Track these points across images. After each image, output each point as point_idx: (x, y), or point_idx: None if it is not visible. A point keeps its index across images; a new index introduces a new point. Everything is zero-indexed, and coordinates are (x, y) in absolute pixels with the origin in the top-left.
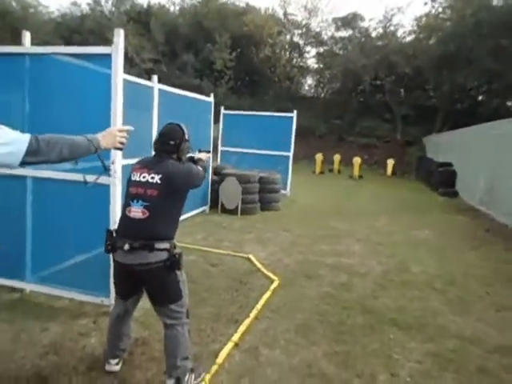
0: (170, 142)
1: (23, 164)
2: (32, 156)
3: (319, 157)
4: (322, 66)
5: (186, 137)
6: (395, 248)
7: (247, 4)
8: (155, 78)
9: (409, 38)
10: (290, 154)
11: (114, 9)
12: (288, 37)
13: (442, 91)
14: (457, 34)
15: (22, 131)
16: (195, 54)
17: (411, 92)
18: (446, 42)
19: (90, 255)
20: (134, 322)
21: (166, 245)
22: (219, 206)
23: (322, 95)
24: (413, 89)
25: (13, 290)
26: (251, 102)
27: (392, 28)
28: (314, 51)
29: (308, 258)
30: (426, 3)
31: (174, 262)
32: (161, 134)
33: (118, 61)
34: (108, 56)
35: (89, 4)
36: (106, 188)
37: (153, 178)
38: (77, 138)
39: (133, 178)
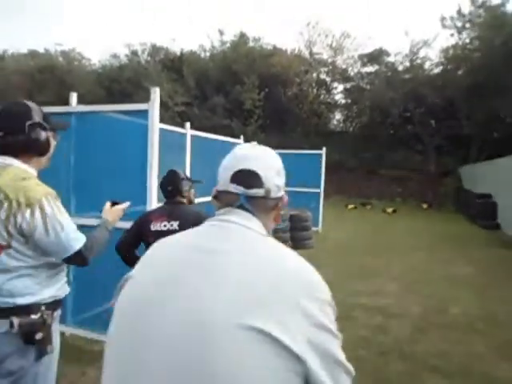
0: (168, 188)
1: (68, 260)
2: (77, 257)
3: (350, 191)
4: (349, 101)
5: (182, 176)
6: (433, 286)
7: (274, 46)
8: (188, 124)
9: (436, 70)
10: (321, 191)
11: (149, 58)
12: (314, 75)
13: (475, 120)
14: (486, 65)
15: (68, 181)
16: (225, 95)
17: (443, 122)
18: (476, 72)
19: None
20: None
21: None
22: None
23: (351, 129)
24: (444, 119)
25: None
26: (280, 139)
27: (419, 61)
28: (340, 87)
29: (341, 297)
30: (452, 34)
31: None
32: (160, 184)
33: (155, 114)
34: (145, 111)
35: (127, 55)
36: None
37: (172, 225)
38: (97, 233)
39: (153, 229)
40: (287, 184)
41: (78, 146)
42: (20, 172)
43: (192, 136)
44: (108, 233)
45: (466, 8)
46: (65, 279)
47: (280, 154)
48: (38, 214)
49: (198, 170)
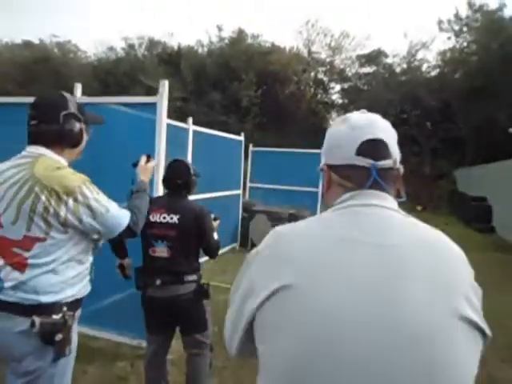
0: (178, 181)
1: (120, 236)
2: (130, 230)
3: None
4: (346, 101)
5: (192, 172)
6: None
7: (272, 44)
8: (190, 119)
9: (433, 73)
10: (319, 190)
11: (146, 52)
12: (312, 74)
13: (471, 124)
14: (483, 69)
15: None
16: (222, 91)
17: (439, 125)
18: (472, 75)
19: (125, 296)
20: (172, 365)
21: (194, 277)
22: (249, 243)
23: None
24: (440, 122)
25: None
26: (277, 137)
27: (417, 63)
28: (338, 87)
29: None
30: (449, 38)
31: (202, 292)
32: (168, 173)
33: (163, 108)
34: (153, 104)
35: (123, 48)
36: None
37: (172, 218)
38: (138, 200)
39: (152, 219)
40: (285, 182)
41: None
42: (53, 162)
43: (194, 131)
44: (147, 195)
45: (464, 12)
46: (88, 278)
47: (280, 153)
48: (81, 200)
49: (200, 165)
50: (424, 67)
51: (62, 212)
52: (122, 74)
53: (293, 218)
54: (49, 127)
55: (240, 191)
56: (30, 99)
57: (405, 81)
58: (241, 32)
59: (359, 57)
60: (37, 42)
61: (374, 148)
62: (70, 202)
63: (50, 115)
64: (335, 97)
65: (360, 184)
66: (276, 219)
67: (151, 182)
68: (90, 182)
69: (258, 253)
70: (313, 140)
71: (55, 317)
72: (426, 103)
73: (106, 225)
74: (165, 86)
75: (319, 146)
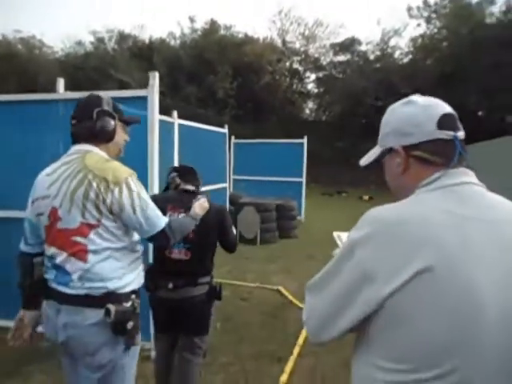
0: (191, 188)
1: (152, 238)
2: (161, 235)
3: (324, 180)
4: (321, 90)
5: (199, 178)
6: None
7: (246, 35)
8: (175, 113)
9: (406, 59)
10: (303, 180)
11: (116, 46)
12: (287, 64)
13: None
14: (453, 54)
15: None
16: (198, 85)
17: None
18: (443, 61)
19: None
20: None
21: (207, 278)
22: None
23: (324, 118)
24: None
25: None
26: (254, 129)
27: (390, 50)
28: (313, 76)
29: None
30: (418, 24)
31: (215, 294)
32: (181, 175)
33: (155, 102)
34: (142, 98)
35: (92, 43)
36: None
37: None
38: (183, 218)
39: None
40: (268, 173)
41: (67, 137)
42: (101, 156)
43: (179, 125)
44: (194, 221)
45: None
46: (141, 267)
47: (262, 144)
48: (125, 192)
49: (186, 159)
50: (397, 54)
51: (109, 200)
52: (91, 68)
53: (281, 208)
54: (83, 124)
55: (226, 184)
56: None
57: (379, 68)
58: (213, 23)
59: (333, 45)
60: None
61: (451, 121)
62: (116, 191)
63: (85, 113)
64: (311, 86)
65: (447, 157)
66: (263, 211)
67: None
68: (135, 176)
69: (370, 238)
70: (290, 130)
71: (125, 305)
72: (400, 90)
73: (142, 221)
74: (155, 77)
75: (297, 135)
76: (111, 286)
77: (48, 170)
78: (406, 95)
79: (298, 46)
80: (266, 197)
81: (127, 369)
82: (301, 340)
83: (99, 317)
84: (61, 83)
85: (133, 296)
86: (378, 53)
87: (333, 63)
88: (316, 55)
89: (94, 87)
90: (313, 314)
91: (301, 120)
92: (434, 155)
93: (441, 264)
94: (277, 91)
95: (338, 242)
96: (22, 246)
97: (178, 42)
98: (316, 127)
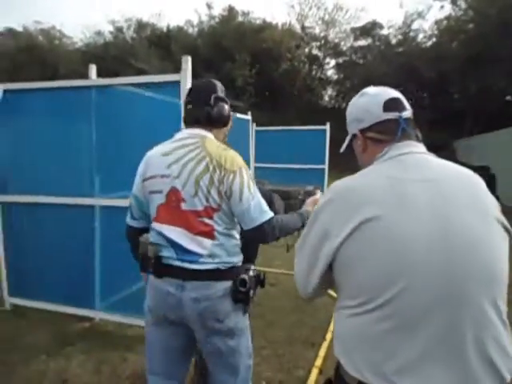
0: None
1: (251, 231)
2: (261, 230)
3: (344, 166)
4: (341, 76)
5: None
6: None
7: (264, 21)
8: None
9: (430, 43)
10: (326, 167)
11: (135, 35)
12: (306, 50)
13: (469, 94)
14: (481, 35)
15: (90, 160)
16: (216, 72)
17: (436, 96)
18: (470, 43)
19: None
20: None
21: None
22: None
23: (344, 105)
24: (438, 93)
25: (81, 319)
26: (273, 116)
27: (412, 34)
28: (333, 62)
29: None
30: (442, 7)
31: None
32: None
33: (187, 86)
34: (175, 84)
35: (111, 32)
36: None
37: None
38: (289, 216)
39: None
40: (290, 160)
41: (99, 123)
42: (218, 143)
43: None
44: (301, 219)
45: None
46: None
47: (283, 131)
48: (237, 180)
49: None
50: (420, 37)
51: (225, 186)
52: (111, 58)
53: (308, 195)
54: (201, 109)
55: (252, 171)
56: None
57: (401, 52)
58: (231, 9)
59: (354, 29)
60: (20, 29)
61: (395, 104)
62: (231, 177)
63: (202, 98)
64: (330, 72)
65: (392, 133)
66: (288, 198)
67: None
68: (247, 169)
69: (328, 204)
70: (309, 117)
71: (251, 274)
72: (422, 74)
73: (246, 211)
74: (188, 62)
75: (316, 123)
76: (235, 260)
77: (161, 149)
78: (431, 80)
79: (317, 31)
80: (290, 184)
81: (247, 329)
82: (332, 326)
83: (227, 288)
84: (93, 70)
85: (252, 267)
86: (400, 37)
87: (353, 48)
88: (336, 40)
89: (114, 76)
90: (296, 272)
91: (320, 107)
92: (382, 134)
93: (379, 216)
94: (296, 78)
95: None
96: (129, 221)
97: (196, 29)
98: (336, 114)
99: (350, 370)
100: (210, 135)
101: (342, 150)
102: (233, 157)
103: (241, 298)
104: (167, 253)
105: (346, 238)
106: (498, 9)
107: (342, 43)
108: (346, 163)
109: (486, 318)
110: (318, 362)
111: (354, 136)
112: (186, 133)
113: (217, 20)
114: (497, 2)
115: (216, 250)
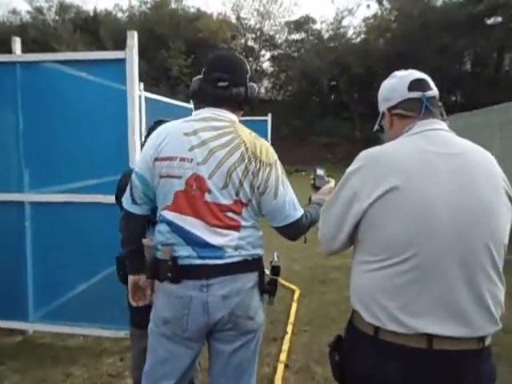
0: None
1: (284, 228)
2: (295, 227)
3: (282, 158)
4: (277, 68)
5: None
6: None
7: (198, 9)
8: (141, 85)
9: (359, 39)
10: None
11: (57, 17)
12: (242, 41)
13: None
14: (405, 35)
15: (17, 149)
16: (149, 60)
17: (366, 90)
18: (395, 42)
19: (99, 283)
20: None
21: None
22: None
23: (280, 97)
24: (367, 87)
25: (12, 332)
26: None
27: (343, 30)
28: (268, 54)
29: (314, 262)
30: (368, 6)
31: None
32: None
33: (134, 65)
34: (119, 62)
35: (29, 12)
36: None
37: None
38: (312, 209)
39: None
40: None
41: (27, 107)
42: (248, 130)
43: (146, 98)
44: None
45: None
46: None
47: None
48: (273, 175)
49: None
50: (350, 34)
51: (259, 179)
52: (31, 41)
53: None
54: (239, 90)
55: None
56: None
57: (333, 47)
58: None
59: (288, 23)
60: None
61: (420, 84)
62: (267, 171)
63: (240, 78)
64: (266, 65)
65: (416, 111)
66: None
67: (122, 157)
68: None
69: (358, 170)
70: (246, 108)
71: (278, 262)
72: (353, 70)
73: (280, 206)
74: (134, 37)
75: (253, 114)
76: (260, 252)
77: (182, 127)
78: (359, 75)
79: (252, 22)
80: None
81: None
82: (292, 318)
83: (254, 279)
84: (17, 43)
85: (276, 259)
86: (332, 32)
87: (288, 42)
88: (271, 33)
89: None
90: (323, 231)
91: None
92: (408, 111)
93: (404, 184)
94: None
95: None
96: (129, 206)
97: (126, 14)
98: (272, 106)
99: (367, 317)
100: (236, 119)
101: (374, 128)
102: (267, 147)
103: (268, 289)
104: (184, 252)
105: (375, 201)
106: (419, 10)
107: (277, 36)
108: (281, 155)
109: (488, 276)
110: (283, 356)
111: (383, 114)
112: (210, 112)
113: (148, 6)
114: (419, 3)
115: (242, 242)
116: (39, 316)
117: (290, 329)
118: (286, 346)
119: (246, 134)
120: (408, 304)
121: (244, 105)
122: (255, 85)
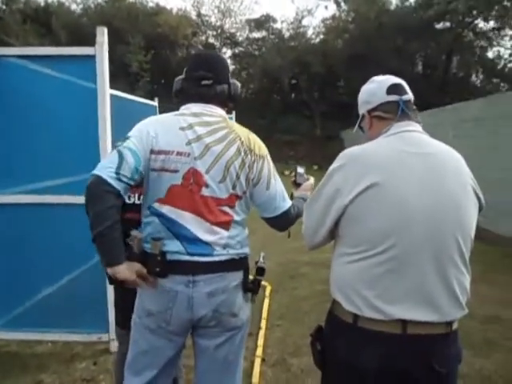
0: None
1: (274, 219)
2: (284, 217)
3: None
4: (238, 66)
5: None
6: None
7: (157, 4)
8: None
9: (318, 39)
10: None
11: (5, 7)
12: (203, 38)
13: (354, 88)
14: (362, 36)
15: None
16: None
17: (326, 89)
18: (353, 43)
19: (68, 284)
20: None
21: None
22: None
23: (242, 95)
24: (327, 87)
25: None
26: (170, 105)
27: (302, 29)
28: (229, 52)
29: (284, 258)
30: (326, 7)
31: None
32: None
33: (105, 63)
34: (88, 59)
35: None
36: None
37: None
38: (296, 201)
39: (130, 201)
40: None
41: None
42: (239, 125)
43: (111, 95)
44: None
45: None
46: None
47: None
48: (266, 167)
49: (120, 133)
50: (309, 34)
51: (254, 172)
52: None
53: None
54: (222, 87)
55: None
56: None
57: (293, 46)
58: None
59: (249, 21)
60: None
61: (397, 88)
62: (260, 164)
63: (223, 76)
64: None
65: (394, 113)
66: None
67: (93, 155)
68: None
69: (340, 167)
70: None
71: (263, 262)
72: (313, 69)
73: (271, 198)
74: (104, 33)
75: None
76: (247, 251)
77: (176, 121)
78: (319, 74)
79: (213, 19)
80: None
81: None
82: (265, 314)
83: (240, 278)
84: None
85: (262, 258)
86: (292, 31)
87: (249, 40)
88: (232, 30)
89: None
90: (306, 225)
91: None
92: (386, 113)
93: (383, 181)
94: None
95: None
96: (110, 178)
97: (80, 6)
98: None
99: (347, 305)
100: (226, 116)
101: (354, 129)
102: (259, 141)
103: (251, 287)
104: (173, 247)
105: (356, 197)
106: (375, 12)
107: (238, 34)
108: None
109: (456, 265)
110: (259, 351)
111: (363, 116)
112: (200, 108)
113: None
114: (375, 6)
115: (231, 241)
116: (3, 323)
117: (263, 324)
118: (261, 341)
119: (239, 128)
120: (385, 292)
121: (228, 102)
122: (237, 82)
